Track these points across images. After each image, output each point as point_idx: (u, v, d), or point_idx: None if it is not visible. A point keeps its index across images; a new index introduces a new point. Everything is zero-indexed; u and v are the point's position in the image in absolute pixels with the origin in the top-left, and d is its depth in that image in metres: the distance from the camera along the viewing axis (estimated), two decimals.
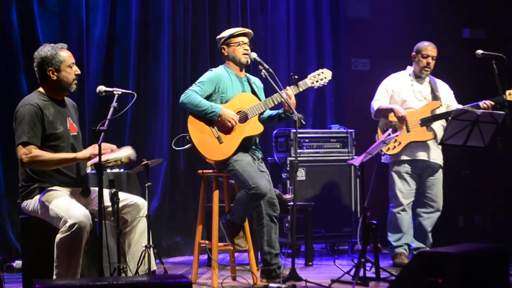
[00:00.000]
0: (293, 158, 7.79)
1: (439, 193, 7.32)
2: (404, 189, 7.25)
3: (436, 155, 7.28)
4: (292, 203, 6.17)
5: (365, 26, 9.95)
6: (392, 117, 7.17)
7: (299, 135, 8.11)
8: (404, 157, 7.22)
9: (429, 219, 7.29)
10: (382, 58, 9.34)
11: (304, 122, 5.97)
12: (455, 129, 6.44)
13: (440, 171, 7.33)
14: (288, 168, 8.02)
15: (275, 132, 8.35)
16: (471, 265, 4.26)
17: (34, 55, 5.32)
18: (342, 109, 9.69)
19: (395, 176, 7.27)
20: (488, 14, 9.76)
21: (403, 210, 7.23)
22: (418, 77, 7.35)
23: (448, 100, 7.34)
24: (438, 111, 7.20)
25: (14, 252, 7.28)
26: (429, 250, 4.49)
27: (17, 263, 7.02)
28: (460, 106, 7.22)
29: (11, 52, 7.51)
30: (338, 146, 8.39)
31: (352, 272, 6.25)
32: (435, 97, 7.29)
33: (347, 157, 8.22)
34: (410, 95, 7.28)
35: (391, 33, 9.56)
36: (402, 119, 7.09)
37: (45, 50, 5.29)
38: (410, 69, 7.42)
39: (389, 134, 6.49)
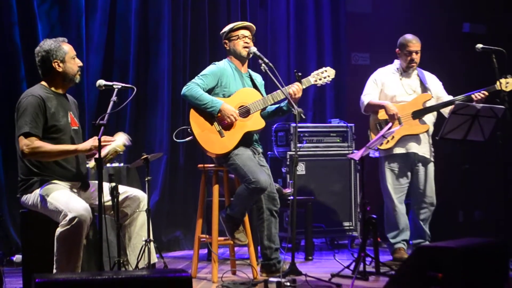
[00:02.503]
0: (293, 153, 7.79)
1: (432, 188, 7.26)
2: (395, 184, 7.19)
3: (426, 149, 7.23)
4: (292, 197, 6.18)
5: (365, 21, 9.96)
6: (382, 115, 7.12)
7: (299, 129, 8.11)
8: (396, 151, 7.16)
9: (424, 214, 7.24)
10: (382, 53, 9.32)
11: (304, 117, 5.97)
12: (455, 123, 6.42)
13: (431, 165, 7.27)
14: (288, 163, 8.02)
15: (275, 126, 8.34)
16: (470, 260, 4.26)
17: (36, 51, 5.34)
18: (342, 104, 9.70)
19: (387, 171, 7.20)
20: (489, 9, 9.76)
21: (396, 205, 7.19)
22: (405, 71, 7.32)
23: (438, 92, 7.30)
24: (429, 103, 7.18)
25: (14, 246, 7.28)
26: (429, 245, 4.51)
27: (17, 257, 7.03)
28: (450, 97, 7.21)
29: (11, 50, 7.50)
30: (338, 140, 8.39)
31: (352, 267, 6.26)
32: (424, 89, 7.26)
33: (347, 151, 8.23)
34: (399, 89, 7.23)
35: (391, 27, 9.55)
36: (393, 117, 7.05)
37: (48, 43, 5.32)
38: (397, 62, 7.37)
39: (389, 128, 6.49)
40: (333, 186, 8.24)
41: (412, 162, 7.22)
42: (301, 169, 8.07)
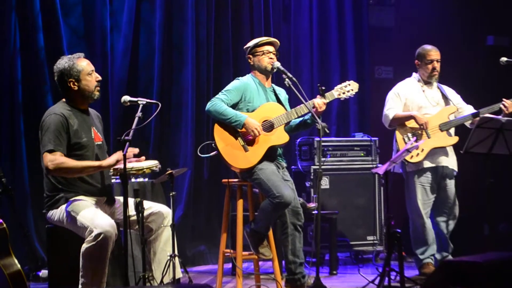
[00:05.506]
0: (317, 167, 7.78)
1: (455, 199, 7.22)
2: (424, 200, 7.13)
3: (454, 162, 7.20)
4: (316, 211, 6.17)
5: (388, 34, 9.96)
6: (411, 124, 7.08)
7: (323, 144, 8.10)
8: (426, 165, 7.09)
9: (451, 226, 7.19)
10: (405, 66, 9.31)
11: (328, 131, 5.97)
12: (479, 137, 6.39)
13: (453, 177, 7.25)
14: (312, 177, 8.02)
15: (298, 140, 8.35)
16: (496, 274, 4.24)
17: (53, 69, 5.38)
18: (366, 117, 9.69)
19: (417, 186, 7.14)
20: None
21: (424, 221, 7.13)
22: (427, 82, 7.28)
23: (458, 103, 7.27)
24: (454, 116, 7.15)
25: (40, 261, 7.32)
26: (454, 259, 4.49)
27: (43, 273, 7.08)
28: (470, 107, 7.19)
29: (36, 65, 7.58)
30: (362, 154, 8.38)
31: (376, 281, 6.23)
32: (446, 101, 7.23)
33: (371, 166, 8.21)
34: (424, 100, 7.19)
35: (414, 40, 9.52)
36: (424, 126, 7.01)
37: (63, 62, 5.35)
38: (416, 75, 7.33)
39: (413, 142, 6.46)
40: (357, 200, 8.23)
41: (440, 175, 7.18)
42: (325, 183, 8.07)
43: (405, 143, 6.99)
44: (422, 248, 7.19)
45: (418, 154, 7.02)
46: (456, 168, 7.22)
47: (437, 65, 7.22)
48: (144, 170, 5.24)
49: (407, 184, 7.26)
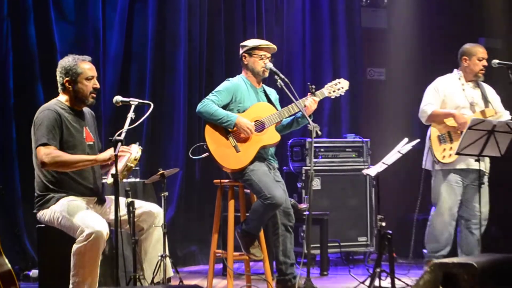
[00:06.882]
0: (309, 168, 7.79)
1: (485, 201, 6.98)
2: (451, 200, 6.99)
3: (487, 164, 7.03)
4: (307, 212, 6.16)
5: (381, 36, 9.97)
6: (449, 122, 6.93)
7: (314, 144, 8.10)
8: (457, 166, 6.95)
9: (477, 230, 7.00)
10: (398, 68, 9.35)
11: (320, 133, 5.94)
12: (471, 139, 6.37)
13: (486, 178, 7.04)
14: (303, 178, 8.02)
15: (290, 141, 8.35)
16: (487, 276, 4.25)
17: (58, 63, 5.38)
18: (358, 119, 9.69)
19: (444, 185, 6.99)
20: (504, 24, 9.74)
21: (445, 220, 7.00)
22: (469, 81, 7.14)
23: (497, 107, 7.08)
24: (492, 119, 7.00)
25: (31, 261, 7.31)
26: (445, 261, 4.48)
27: (34, 273, 7.06)
28: (507, 113, 7.07)
29: (28, 62, 7.57)
30: (354, 155, 8.39)
31: (367, 282, 6.24)
32: (486, 102, 7.07)
33: (362, 167, 8.20)
34: (463, 100, 7.03)
35: (407, 42, 9.56)
36: (463, 126, 6.77)
37: (67, 60, 5.34)
38: (458, 73, 7.17)
39: (405, 144, 6.45)
40: (348, 201, 8.23)
41: (471, 178, 7.01)
42: (316, 184, 8.07)
43: (439, 141, 6.91)
44: (433, 245, 7.04)
45: (450, 154, 6.89)
46: (487, 169, 7.04)
47: (486, 64, 7.11)
48: (132, 165, 5.20)
49: (434, 182, 7.09)
